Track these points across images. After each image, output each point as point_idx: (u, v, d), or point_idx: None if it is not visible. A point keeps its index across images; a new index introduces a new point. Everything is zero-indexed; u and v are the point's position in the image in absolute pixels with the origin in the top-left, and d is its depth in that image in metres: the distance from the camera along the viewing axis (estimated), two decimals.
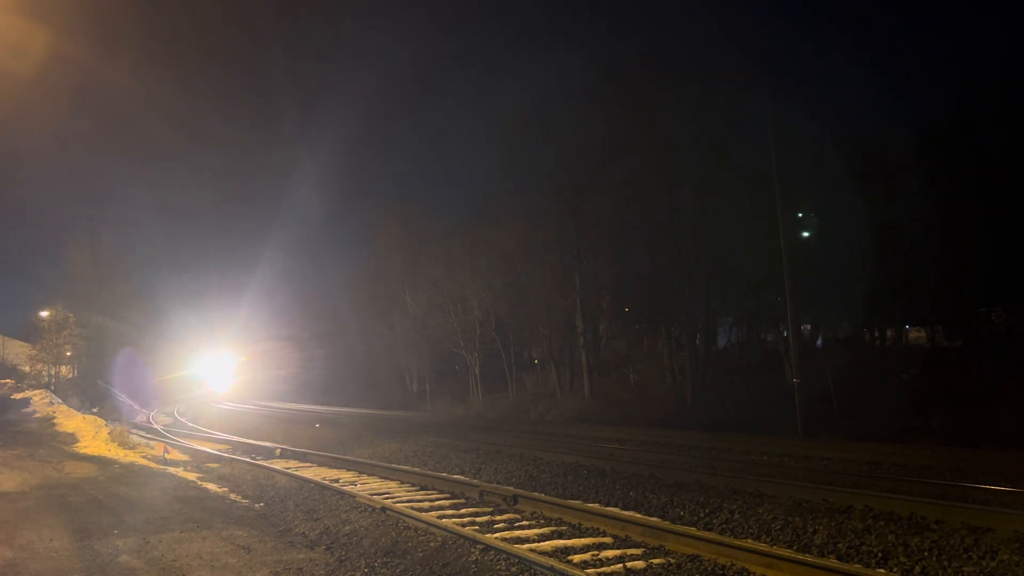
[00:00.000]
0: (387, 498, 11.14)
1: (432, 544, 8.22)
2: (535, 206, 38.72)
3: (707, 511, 9.70)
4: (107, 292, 55.42)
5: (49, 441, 23.63)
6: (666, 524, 8.67)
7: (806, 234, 19.53)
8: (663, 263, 32.24)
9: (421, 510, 10.10)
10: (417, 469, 14.20)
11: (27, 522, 10.00)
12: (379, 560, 7.88)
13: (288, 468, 15.34)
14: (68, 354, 54.89)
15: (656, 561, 7.36)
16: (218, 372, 60.56)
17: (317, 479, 13.19)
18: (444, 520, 9.31)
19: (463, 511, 10.28)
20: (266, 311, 59.76)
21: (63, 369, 55.47)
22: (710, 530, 8.66)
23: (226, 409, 44.03)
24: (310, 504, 11.05)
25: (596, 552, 7.84)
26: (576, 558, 7.58)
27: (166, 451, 18.74)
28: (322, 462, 16.54)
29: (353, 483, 13.13)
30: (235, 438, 24.02)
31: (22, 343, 60.09)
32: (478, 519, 9.67)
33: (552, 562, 7.12)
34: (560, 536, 8.66)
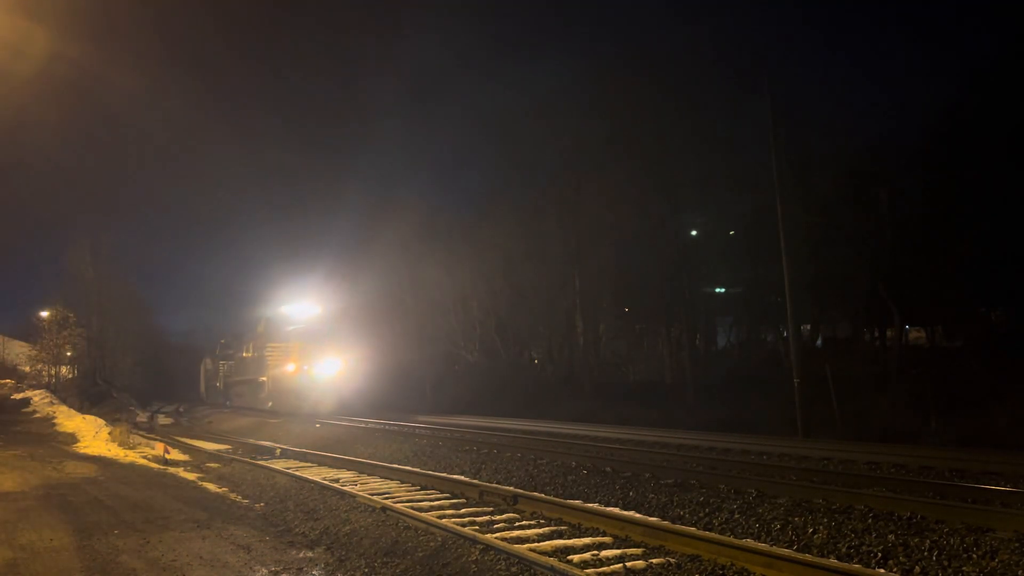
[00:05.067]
0: (387, 498, 11.14)
1: (432, 544, 8.23)
2: (535, 206, 38.75)
3: (707, 511, 9.71)
4: (107, 291, 55.50)
5: (49, 441, 23.67)
6: (666, 524, 8.68)
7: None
8: (663, 263, 32.26)
9: (421, 510, 10.11)
10: (417, 469, 14.20)
11: (27, 522, 10.01)
12: (379, 560, 7.89)
13: (288, 468, 15.35)
14: (68, 354, 54.80)
15: (656, 561, 7.37)
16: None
17: (317, 479, 13.20)
18: (444, 520, 9.32)
19: (463, 511, 10.28)
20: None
21: (63, 369, 55.37)
22: (710, 530, 8.65)
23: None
24: (310, 504, 11.06)
25: (596, 552, 7.84)
26: (576, 558, 7.58)
27: (166, 451, 18.73)
28: (322, 462, 16.55)
29: (353, 483, 13.14)
30: (235, 438, 24.04)
31: (22, 343, 59.95)
32: (478, 519, 9.67)
33: (552, 562, 7.13)
34: (560, 536, 8.66)
